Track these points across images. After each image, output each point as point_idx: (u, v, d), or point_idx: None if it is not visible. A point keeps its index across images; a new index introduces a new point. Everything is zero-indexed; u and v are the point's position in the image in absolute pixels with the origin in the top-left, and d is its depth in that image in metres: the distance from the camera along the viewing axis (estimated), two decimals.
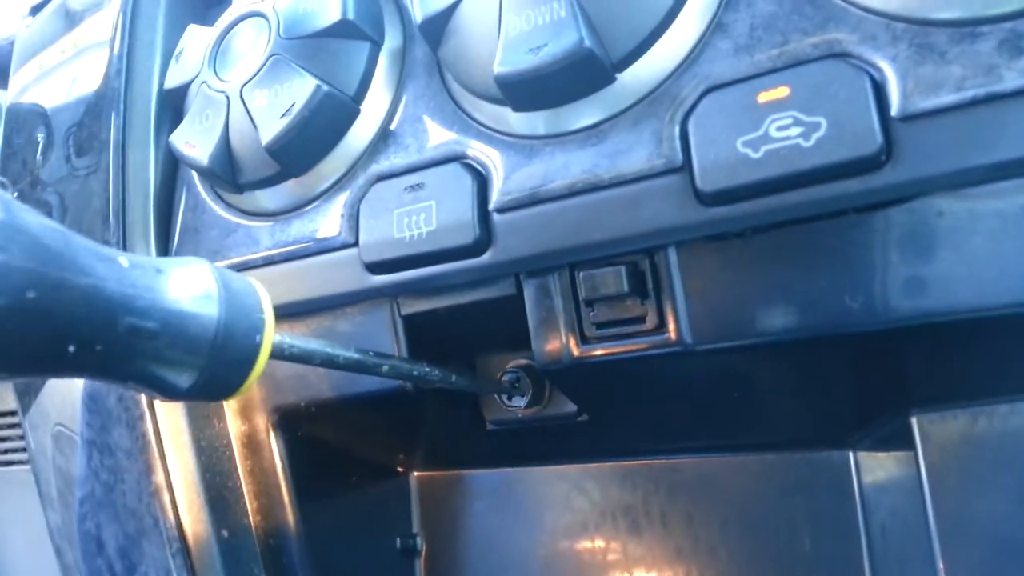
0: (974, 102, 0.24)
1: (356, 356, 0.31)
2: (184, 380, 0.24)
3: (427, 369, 0.34)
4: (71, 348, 0.21)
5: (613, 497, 0.46)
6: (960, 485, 0.34)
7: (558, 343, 0.33)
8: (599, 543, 0.46)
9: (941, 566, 0.34)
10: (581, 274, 0.32)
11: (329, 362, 0.30)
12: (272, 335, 0.26)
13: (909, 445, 0.35)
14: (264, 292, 0.27)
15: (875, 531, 0.39)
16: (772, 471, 0.41)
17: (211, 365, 0.24)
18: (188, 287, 0.24)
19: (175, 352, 0.24)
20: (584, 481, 0.47)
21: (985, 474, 0.33)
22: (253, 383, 0.26)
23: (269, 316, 0.26)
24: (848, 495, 0.39)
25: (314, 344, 0.29)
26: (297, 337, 0.28)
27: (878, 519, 0.39)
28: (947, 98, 0.25)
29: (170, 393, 0.25)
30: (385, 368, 0.32)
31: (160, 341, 0.23)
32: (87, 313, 0.21)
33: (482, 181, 0.33)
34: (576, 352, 0.33)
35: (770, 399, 0.38)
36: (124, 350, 0.22)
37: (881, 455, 0.39)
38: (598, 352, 0.33)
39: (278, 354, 0.28)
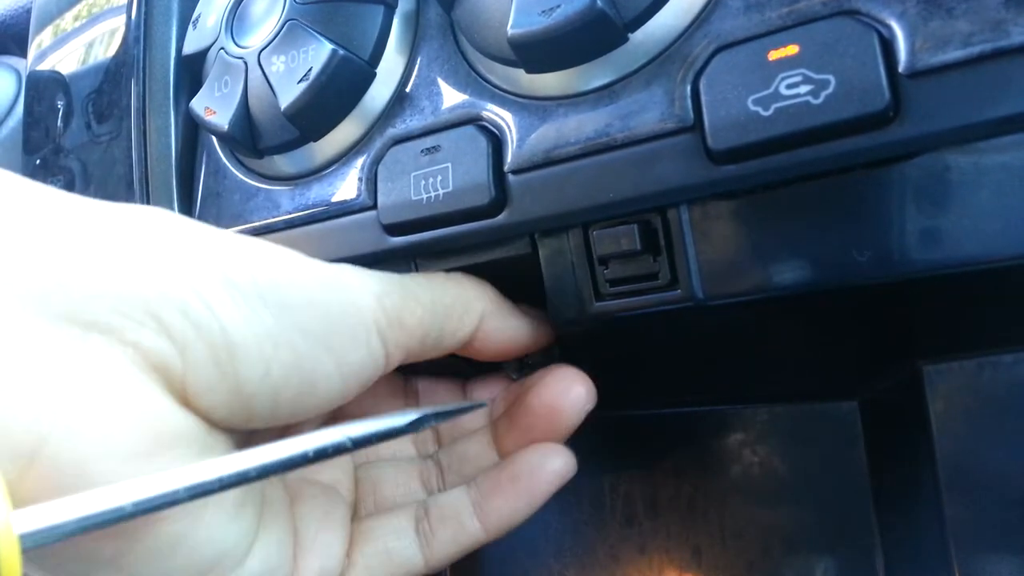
0: (981, 57, 0.25)
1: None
2: None
3: (469, 404, 0.36)
4: None
5: (624, 448, 0.47)
6: (965, 433, 0.35)
7: (573, 300, 0.34)
8: (610, 491, 0.47)
9: (946, 512, 0.35)
10: (595, 233, 0.33)
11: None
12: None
13: (916, 395, 0.36)
14: None
15: (880, 480, 0.40)
16: (780, 422, 0.43)
17: None
18: None
19: None
20: (595, 433, 0.48)
21: (989, 422, 0.34)
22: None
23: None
24: (855, 445, 0.40)
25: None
26: None
27: (884, 468, 0.40)
28: (954, 54, 0.25)
29: None
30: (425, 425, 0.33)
31: None
32: None
33: (497, 143, 0.33)
34: (591, 308, 0.34)
35: (779, 352, 0.39)
36: None
37: (888, 405, 0.40)
38: (613, 307, 0.33)
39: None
